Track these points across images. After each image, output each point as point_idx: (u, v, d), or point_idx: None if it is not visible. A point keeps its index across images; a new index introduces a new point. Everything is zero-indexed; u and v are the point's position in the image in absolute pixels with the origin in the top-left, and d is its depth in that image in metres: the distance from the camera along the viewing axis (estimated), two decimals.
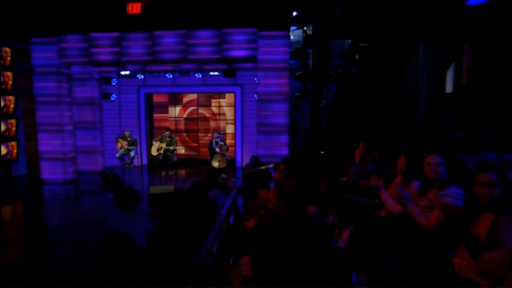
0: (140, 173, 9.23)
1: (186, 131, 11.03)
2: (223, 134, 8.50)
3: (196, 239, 2.74)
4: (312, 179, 3.26)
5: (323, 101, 8.51)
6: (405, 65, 5.94)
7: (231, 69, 8.48)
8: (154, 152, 7.85)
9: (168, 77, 9.51)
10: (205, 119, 10.97)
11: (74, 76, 8.94)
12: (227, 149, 8.50)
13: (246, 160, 10.06)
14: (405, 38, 4.93)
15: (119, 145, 8.58)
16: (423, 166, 2.39)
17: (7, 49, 8.27)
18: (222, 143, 8.43)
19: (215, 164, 8.27)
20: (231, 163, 8.60)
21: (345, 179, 4.60)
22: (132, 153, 8.49)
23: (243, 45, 7.39)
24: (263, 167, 5.43)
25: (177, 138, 8.10)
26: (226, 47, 7.39)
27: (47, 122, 7.94)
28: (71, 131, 8.27)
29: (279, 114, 7.33)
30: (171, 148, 7.59)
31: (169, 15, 7.16)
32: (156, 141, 7.93)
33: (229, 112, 10.81)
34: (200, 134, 10.98)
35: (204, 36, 7.41)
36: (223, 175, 8.42)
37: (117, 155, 8.45)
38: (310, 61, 7.98)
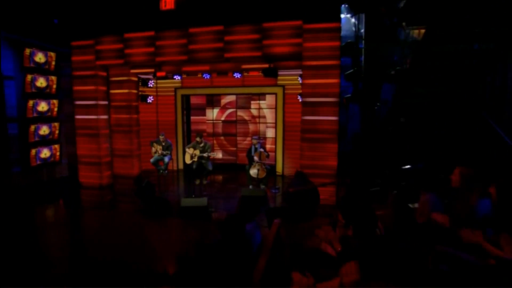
0: (175, 179, 8.80)
1: (224, 134, 10.44)
2: (263, 140, 7.71)
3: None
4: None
5: (377, 104, 7.31)
6: (499, 57, 4.60)
7: (272, 68, 7.65)
8: (187, 160, 7.30)
9: (206, 77, 8.96)
10: (244, 122, 10.28)
11: (111, 78, 8.78)
12: (267, 156, 7.69)
13: (287, 168, 9.19)
14: (504, 19, 3.68)
15: (153, 149, 8.21)
16: None
17: (52, 54, 8.32)
18: (261, 149, 7.63)
19: (253, 172, 7.51)
20: (270, 171, 7.78)
21: (415, 206, 3.55)
22: (166, 159, 8.07)
23: (286, 41, 6.50)
24: (310, 186, 4.52)
25: (210, 143, 7.45)
26: (267, 43, 6.57)
27: (84, 125, 7.81)
28: (107, 135, 8.07)
29: (327, 119, 6.34)
30: (205, 155, 6.96)
31: (204, 10, 6.53)
32: (189, 147, 7.38)
33: (269, 115, 9.99)
34: (238, 138, 10.32)
35: (243, 32, 6.66)
36: (262, 186, 7.63)
37: (151, 160, 8.08)
38: (363, 58, 6.88)
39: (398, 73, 6.77)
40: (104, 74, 7.90)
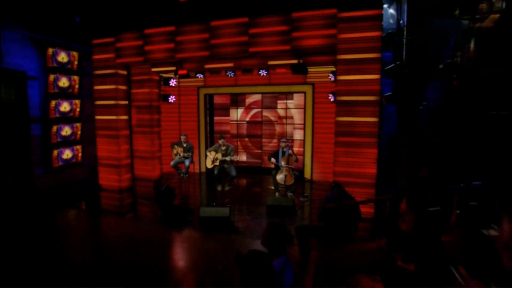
0: (196, 184, 8.34)
1: (249, 136, 9.86)
2: (291, 142, 7.03)
3: None
4: None
5: (424, 103, 6.38)
6: None
7: (301, 64, 6.95)
8: (209, 164, 6.78)
9: (230, 75, 8.43)
10: (270, 122, 9.64)
11: (133, 78, 8.48)
12: (296, 160, 7.00)
13: (316, 173, 8.44)
14: None
15: (174, 151, 7.79)
16: None
17: (75, 53, 8.15)
18: (290, 152, 6.94)
19: (280, 178, 6.85)
20: (299, 177, 7.08)
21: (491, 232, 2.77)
22: (187, 162, 7.62)
23: (318, 32, 5.78)
24: (351, 203, 3.79)
25: (233, 146, 6.86)
26: (296, 35, 5.88)
27: (104, 126, 7.54)
28: (127, 136, 7.75)
29: (365, 121, 5.54)
30: (228, 158, 6.38)
31: (227, 0, 5.97)
32: (210, 151, 6.84)
33: (297, 116, 9.28)
34: (264, 140, 9.70)
35: (269, 24, 6.02)
36: (290, 194, 6.95)
37: (172, 163, 7.67)
38: (404, 52, 6.01)
39: (449, 66, 5.84)
40: (125, 72, 7.59)
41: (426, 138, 5.85)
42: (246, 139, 9.91)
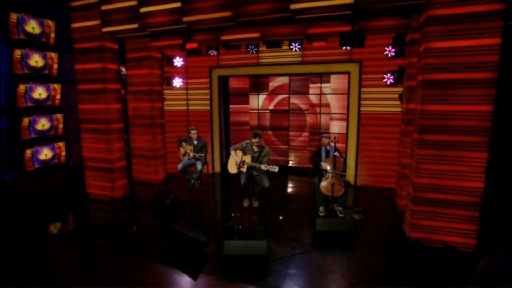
0: (210, 194, 6.55)
1: (272, 128, 8.02)
2: (337, 139, 5.16)
3: None
4: None
5: None
6: None
7: (357, 32, 5.01)
8: (232, 168, 4.96)
9: (252, 51, 6.52)
10: (300, 112, 7.77)
11: (127, 55, 6.62)
12: (344, 163, 5.18)
13: (361, 176, 6.61)
14: None
15: (182, 151, 6.00)
16: None
17: (50, 23, 6.30)
18: (337, 153, 5.10)
19: (325, 187, 5.02)
20: (349, 185, 5.24)
21: None
22: (199, 165, 5.82)
23: None
24: None
25: (269, 149, 4.98)
26: None
27: (90, 118, 5.74)
28: (121, 130, 5.96)
29: (471, 110, 3.65)
30: (262, 167, 4.49)
31: None
32: (235, 149, 5.00)
33: (335, 103, 7.38)
34: (291, 133, 7.85)
35: None
36: (338, 208, 5.15)
37: (179, 166, 5.87)
38: None
39: None
40: (115, 47, 5.72)
41: None
42: (270, 132, 8.07)
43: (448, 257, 3.73)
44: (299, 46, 6.14)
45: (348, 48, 5.91)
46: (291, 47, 6.17)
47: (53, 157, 6.57)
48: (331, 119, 7.43)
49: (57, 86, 6.50)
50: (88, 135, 5.86)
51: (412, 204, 4.09)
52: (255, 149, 4.81)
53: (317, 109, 7.54)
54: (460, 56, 3.61)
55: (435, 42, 3.70)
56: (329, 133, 6.65)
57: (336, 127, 7.33)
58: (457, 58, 3.63)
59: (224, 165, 7.95)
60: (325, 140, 5.24)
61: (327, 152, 5.26)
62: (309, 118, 7.70)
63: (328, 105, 7.44)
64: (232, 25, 4.89)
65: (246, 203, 5.08)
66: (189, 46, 5.89)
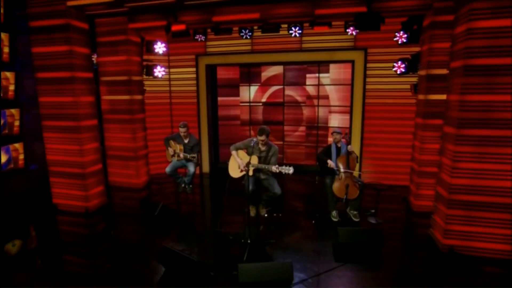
0: (206, 199, 5.77)
1: (266, 122, 7.34)
2: (348, 136, 4.59)
3: None
4: None
5: None
6: None
7: (374, 13, 4.43)
8: (235, 172, 4.22)
9: (245, 36, 5.76)
10: (296, 104, 7.14)
11: (99, 39, 5.60)
12: (357, 161, 4.64)
13: (365, 172, 6.13)
14: None
15: (170, 151, 5.15)
16: None
17: None
18: (350, 147, 4.53)
19: (339, 189, 4.45)
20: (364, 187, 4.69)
21: None
22: (191, 167, 5.01)
23: None
24: None
25: (277, 148, 4.27)
26: None
27: (53, 114, 4.71)
28: (94, 128, 4.99)
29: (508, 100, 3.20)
30: (274, 168, 3.78)
31: None
32: (236, 149, 4.25)
33: (334, 95, 6.83)
34: (286, 128, 7.22)
35: None
36: (353, 212, 4.61)
37: (168, 170, 5.03)
38: None
39: None
40: (85, 26, 4.71)
41: None
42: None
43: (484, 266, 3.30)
44: (300, 31, 5.50)
45: (354, 33, 5.34)
46: (290, 31, 5.52)
47: (8, 161, 5.43)
48: (330, 112, 6.88)
49: (9, 75, 5.34)
50: (52, 134, 4.82)
51: (446, 208, 3.61)
52: (262, 148, 4.11)
53: (315, 102, 6.95)
54: (509, 37, 3.13)
55: (481, 21, 3.18)
56: (340, 128, 6.09)
57: (336, 120, 6.80)
58: (505, 40, 3.14)
59: (213, 164, 7.17)
60: (337, 136, 4.66)
61: (338, 149, 4.69)
62: (306, 111, 7.10)
63: (327, 97, 6.87)
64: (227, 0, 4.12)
65: (252, 211, 4.37)
66: (176, 28, 5.03)
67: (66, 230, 4.53)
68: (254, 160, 3.96)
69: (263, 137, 3.98)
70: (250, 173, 3.95)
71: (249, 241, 3.67)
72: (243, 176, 4.07)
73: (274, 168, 3.74)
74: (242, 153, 4.24)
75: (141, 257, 3.67)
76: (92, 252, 3.87)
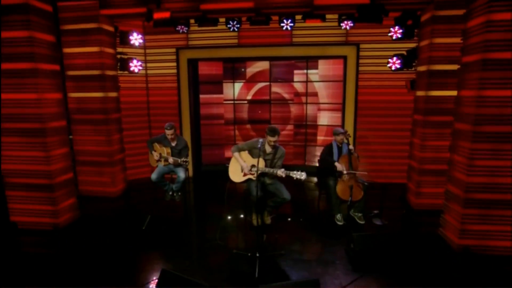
0: (200, 207, 5.22)
1: (251, 121, 6.93)
2: (347, 134, 4.37)
3: None
4: None
5: None
6: None
7: (377, 4, 4.22)
8: (237, 176, 3.77)
9: (233, 28, 5.30)
10: (283, 102, 6.82)
11: (65, 26, 4.82)
12: (357, 158, 4.44)
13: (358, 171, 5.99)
14: None
15: (155, 155, 4.55)
16: None
17: None
18: (351, 147, 4.32)
19: (343, 191, 4.22)
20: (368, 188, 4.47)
21: None
22: (181, 173, 4.45)
23: None
24: None
25: (285, 150, 3.87)
26: None
27: (11, 114, 3.90)
28: (62, 130, 4.24)
29: None
30: (280, 173, 3.40)
31: None
32: (239, 150, 3.81)
33: (323, 91, 6.60)
34: None
35: None
36: (357, 215, 4.39)
37: (154, 176, 4.43)
38: None
39: None
40: (48, 8, 3.96)
41: None
42: (248, 126, 6.97)
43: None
44: (292, 24, 5.17)
45: (348, 27, 5.12)
46: (282, 24, 5.18)
47: None
48: (319, 109, 6.65)
49: None
50: (9, 139, 4.00)
51: (462, 207, 3.48)
52: (268, 150, 3.71)
53: (303, 99, 6.68)
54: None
55: (500, 13, 3.06)
56: (340, 126, 5.88)
57: (325, 118, 6.58)
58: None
59: (197, 166, 6.62)
60: (338, 137, 4.41)
61: (339, 149, 4.45)
62: (294, 109, 6.81)
63: (315, 94, 6.63)
64: None
65: (255, 221, 3.94)
66: (159, 15, 4.45)
67: (31, 252, 3.77)
68: (260, 163, 3.55)
69: (275, 138, 3.59)
70: (253, 177, 3.53)
71: (257, 255, 3.25)
72: (247, 181, 3.64)
73: (280, 173, 3.37)
74: (244, 154, 3.81)
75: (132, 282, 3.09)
76: (67, 277, 3.20)
